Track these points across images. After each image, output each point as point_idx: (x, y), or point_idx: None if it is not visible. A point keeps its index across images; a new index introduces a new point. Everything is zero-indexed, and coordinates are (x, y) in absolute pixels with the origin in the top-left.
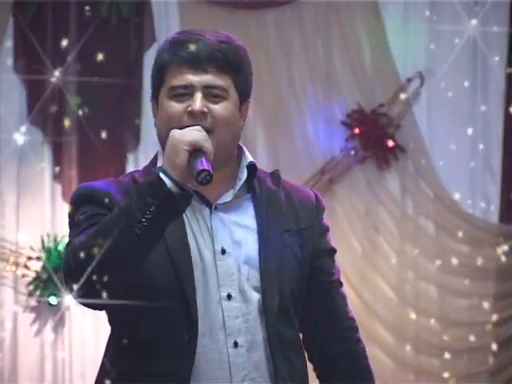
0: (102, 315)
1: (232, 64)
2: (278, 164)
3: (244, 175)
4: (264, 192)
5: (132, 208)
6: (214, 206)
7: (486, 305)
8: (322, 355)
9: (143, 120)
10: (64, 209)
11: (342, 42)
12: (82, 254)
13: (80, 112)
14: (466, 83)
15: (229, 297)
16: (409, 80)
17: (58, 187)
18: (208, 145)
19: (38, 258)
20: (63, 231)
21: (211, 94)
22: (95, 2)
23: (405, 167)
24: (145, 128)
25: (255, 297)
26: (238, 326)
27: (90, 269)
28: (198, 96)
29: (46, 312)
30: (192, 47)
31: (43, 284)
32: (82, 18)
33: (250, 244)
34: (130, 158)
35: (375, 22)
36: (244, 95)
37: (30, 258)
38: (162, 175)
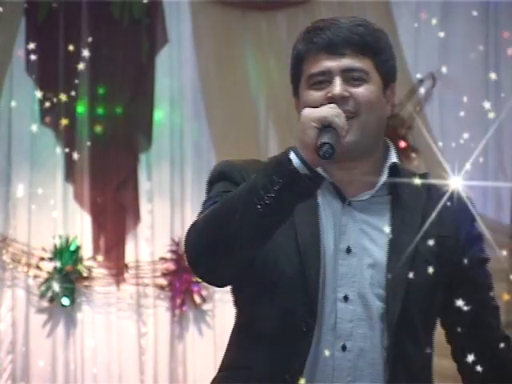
0: (114, 315)
1: (370, 45)
2: None
3: (385, 176)
4: (405, 195)
5: (257, 185)
6: (347, 202)
7: None
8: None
9: (155, 120)
10: (75, 210)
11: None
12: (202, 229)
13: (92, 113)
14: (479, 84)
15: (345, 298)
16: (420, 81)
17: (70, 188)
18: (338, 120)
19: (50, 259)
20: (75, 232)
21: (351, 77)
22: (107, 3)
23: (417, 168)
24: (157, 128)
25: (376, 303)
26: (349, 330)
27: (209, 243)
28: (337, 80)
29: (58, 313)
30: (327, 33)
31: (55, 285)
32: (94, 19)
33: (379, 247)
34: (142, 158)
35: (387, 22)
36: (387, 78)
37: (42, 259)
38: (291, 154)
